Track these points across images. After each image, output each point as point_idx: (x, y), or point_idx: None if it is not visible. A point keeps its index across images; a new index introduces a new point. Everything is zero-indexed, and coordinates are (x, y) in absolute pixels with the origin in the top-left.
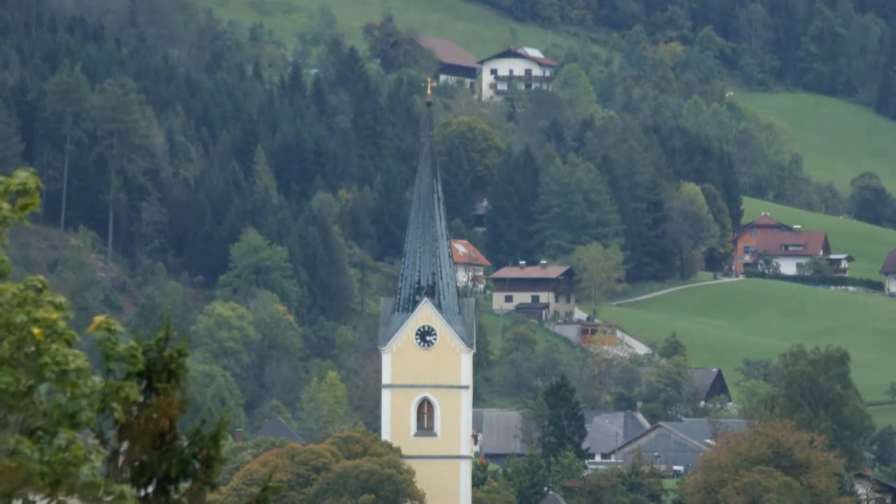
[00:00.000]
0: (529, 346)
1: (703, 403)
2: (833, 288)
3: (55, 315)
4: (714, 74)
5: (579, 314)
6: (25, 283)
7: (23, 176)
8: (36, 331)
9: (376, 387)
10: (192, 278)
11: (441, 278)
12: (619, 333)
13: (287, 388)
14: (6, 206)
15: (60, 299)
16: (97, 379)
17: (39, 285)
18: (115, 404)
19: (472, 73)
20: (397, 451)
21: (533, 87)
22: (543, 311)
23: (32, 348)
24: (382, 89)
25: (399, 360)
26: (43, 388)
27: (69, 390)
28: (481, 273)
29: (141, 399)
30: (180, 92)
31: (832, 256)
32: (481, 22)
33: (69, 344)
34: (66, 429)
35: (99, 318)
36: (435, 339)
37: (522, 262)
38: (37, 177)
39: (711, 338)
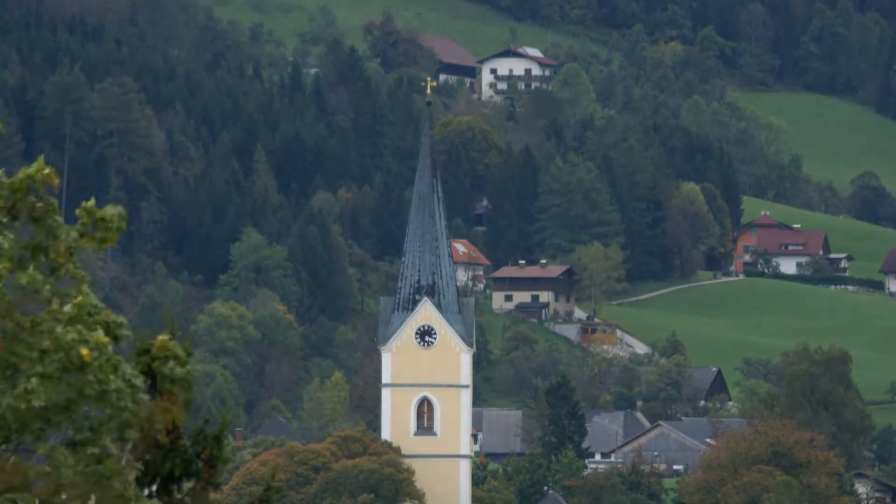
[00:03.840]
0: (529, 346)
1: (703, 403)
2: (833, 287)
3: (105, 339)
4: (714, 74)
5: (579, 313)
6: (80, 304)
7: (112, 211)
8: (84, 352)
9: (376, 386)
10: (192, 278)
11: (441, 278)
12: (619, 333)
13: (287, 388)
14: (74, 233)
15: (121, 319)
16: (145, 397)
17: (94, 310)
18: (158, 426)
19: (471, 72)
20: (397, 450)
21: (533, 86)
22: (543, 311)
23: (77, 368)
24: (382, 89)
25: (399, 359)
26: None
27: (109, 409)
28: (481, 272)
29: (184, 421)
30: (180, 91)
31: (832, 256)
32: (481, 21)
33: (115, 369)
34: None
35: (161, 339)
36: (435, 338)
37: (522, 262)
38: (126, 216)
39: (711, 337)
